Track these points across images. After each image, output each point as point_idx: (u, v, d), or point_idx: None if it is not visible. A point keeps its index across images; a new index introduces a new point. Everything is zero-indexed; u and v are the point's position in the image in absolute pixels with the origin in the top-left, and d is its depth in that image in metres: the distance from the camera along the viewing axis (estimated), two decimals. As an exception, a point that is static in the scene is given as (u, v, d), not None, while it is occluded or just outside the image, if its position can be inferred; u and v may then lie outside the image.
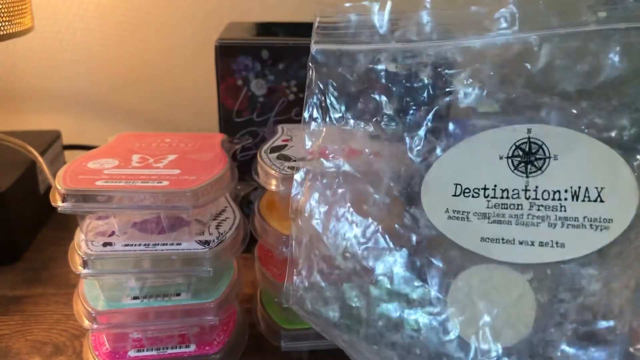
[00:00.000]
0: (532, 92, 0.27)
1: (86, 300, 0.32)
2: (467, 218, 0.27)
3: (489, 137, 0.28)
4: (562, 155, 0.26)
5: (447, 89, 0.29)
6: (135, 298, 0.32)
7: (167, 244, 0.32)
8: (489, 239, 0.26)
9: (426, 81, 0.29)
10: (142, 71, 0.66)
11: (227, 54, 0.41)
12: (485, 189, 0.27)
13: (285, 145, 0.37)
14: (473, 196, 0.27)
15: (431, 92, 0.29)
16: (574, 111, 0.26)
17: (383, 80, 0.30)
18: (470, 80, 0.28)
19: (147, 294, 0.32)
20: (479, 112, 0.28)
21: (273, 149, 0.36)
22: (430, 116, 0.29)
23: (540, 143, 0.26)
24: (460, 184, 0.28)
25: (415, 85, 0.29)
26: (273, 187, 0.33)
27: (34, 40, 0.64)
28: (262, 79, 0.42)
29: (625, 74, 0.25)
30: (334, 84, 0.30)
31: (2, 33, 0.44)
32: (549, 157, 0.26)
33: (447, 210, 0.27)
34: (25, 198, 0.50)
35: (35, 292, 0.43)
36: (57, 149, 0.59)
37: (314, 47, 0.31)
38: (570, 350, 0.24)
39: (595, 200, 0.25)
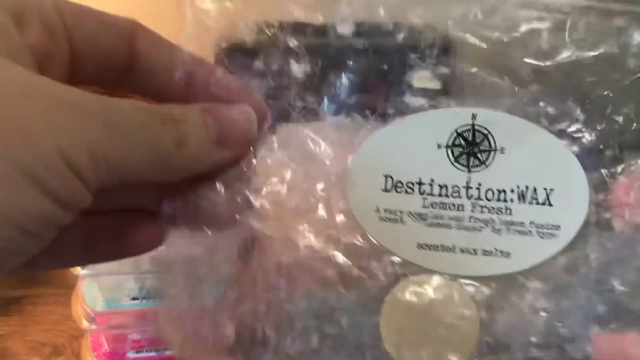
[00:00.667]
0: (481, 69, 0.22)
1: (85, 301, 0.33)
2: (401, 220, 0.22)
3: (426, 119, 0.23)
4: (510, 148, 0.22)
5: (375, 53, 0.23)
6: (134, 299, 0.33)
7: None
8: (426, 245, 0.22)
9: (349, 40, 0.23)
10: None
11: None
12: (420, 183, 0.22)
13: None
14: (407, 192, 0.22)
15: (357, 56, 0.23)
16: (525, 96, 0.22)
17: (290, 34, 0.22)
18: (405, 44, 0.22)
19: (146, 294, 0.33)
20: (415, 87, 0.23)
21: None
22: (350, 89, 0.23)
23: (485, 132, 0.22)
24: (391, 176, 0.22)
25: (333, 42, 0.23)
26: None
27: None
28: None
29: (584, 58, 0.22)
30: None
31: None
32: (495, 150, 0.22)
33: (377, 210, 0.22)
34: None
35: (34, 293, 0.42)
36: None
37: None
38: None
39: (544, 204, 0.22)
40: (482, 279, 0.22)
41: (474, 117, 0.22)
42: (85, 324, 0.33)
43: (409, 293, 0.22)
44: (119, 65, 0.20)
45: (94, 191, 0.16)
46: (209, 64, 0.21)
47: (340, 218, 0.22)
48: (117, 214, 0.21)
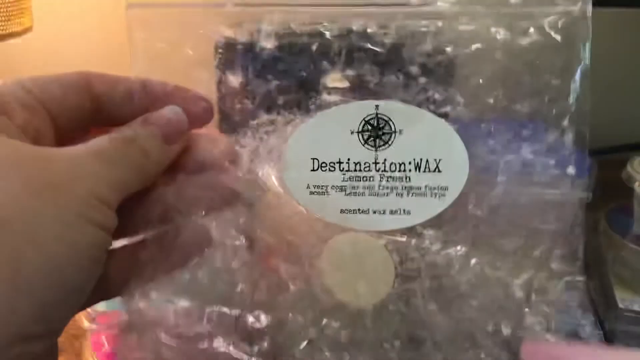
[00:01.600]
0: (380, 69, 0.28)
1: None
2: (327, 192, 0.29)
3: (340, 112, 0.29)
4: (406, 130, 0.28)
5: (295, 62, 0.28)
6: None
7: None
8: (347, 210, 0.29)
9: (271, 52, 0.28)
10: None
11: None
12: (339, 162, 0.29)
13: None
14: (330, 170, 0.29)
15: (278, 64, 0.28)
16: (416, 88, 0.28)
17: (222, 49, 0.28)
18: (319, 54, 0.28)
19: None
20: (329, 87, 0.28)
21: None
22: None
23: (387, 119, 0.28)
24: (317, 159, 0.29)
25: (259, 55, 0.28)
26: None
27: (34, 40, 0.62)
28: None
29: (462, 54, 0.28)
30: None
31: (1, 33, 0.45)
32: (395, 132, 0.28)
33: (308, 186, 0.29)
34: None
35: None
36: None
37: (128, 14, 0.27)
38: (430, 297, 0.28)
39: (434, 171, 0.28)
40: (391, 232, 0.29)
41: (377, 107, 0.28)
42: (86, 324, 0.33)
43: (340, 245, 0.29)
44: (88, 110, 0.25)
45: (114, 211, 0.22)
46: (154, 81, 0.26)
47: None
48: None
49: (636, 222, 0.36)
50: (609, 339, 0.40)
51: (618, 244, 0.37)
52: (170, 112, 0.25)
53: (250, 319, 0.29)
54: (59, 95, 0.24)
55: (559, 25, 0.27)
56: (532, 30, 0.27)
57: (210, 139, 0.27)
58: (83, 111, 0.25)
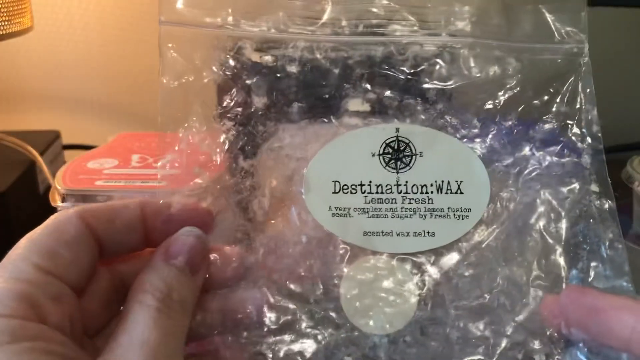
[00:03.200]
0: (399, 94, 0.29)
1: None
2: (349, 214, 0.28)
3: (361, 135, 0.29)
4: (427, 152, 0.29)
5: (318, 86, 0.29)
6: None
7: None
8: (370, 232, 0.28)
9: (295, 76, 0.29)
10: (142, 71, 0.65)
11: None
12: (361, 185, 0.28)
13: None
14: (351, 192, 0.28)
15: (302, 88, 0.29)
16: (434, 112, 0.29)
17: (248, 71, 0.28)
18: (341, 79, 0.29)
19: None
20: (350, 110, 0.29)
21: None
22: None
23: (407, 141, 0.29)
24: (338, 181, 0.28)
25: (283, 79, 0.29)
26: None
27: (34, 40, 0.62)
28: None
29: (475, 80, 0.29)
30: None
31: (1, 33, 0.44)
32: (416, 154, 0.29)
33: (330, 208, 0.28)
34: (25, 198, 0.50)
35: None
36: (56, 149, 0.59)
37: (161, 29, 0.27)
38: (455, 323, 0.27)
39: (456, 192, 0.28)
40: (415, 255, 0.28)
41: (397, 130, 0.29)
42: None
43: (361, 270, 0.28)
44: (94, 256, 0.24)
45: None
46: (153, 202, 0.26)
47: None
48: None
49: (636, 221, 0.36)
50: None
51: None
52: (189, 236, 0.25)
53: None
54: (68, 258, 0.23)
55: (561, 56, 0.29)
56: (538, 58, 0.29)
57: (223, 256, 0.27)
58: (92, 260, 0.24)
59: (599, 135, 0.29)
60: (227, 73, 0.28)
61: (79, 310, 0.23)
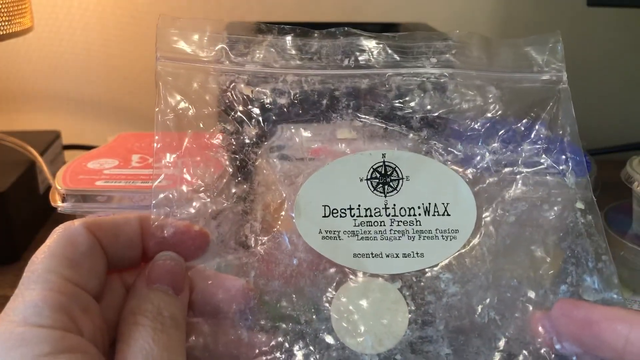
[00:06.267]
0: (385, 122, 0.30)
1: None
2: (339, 237, 0.29)
3: (349, 161, 0.30)
4: (413, 176, 0.30)
5: (307, 116, 0.30)
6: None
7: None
8: (360, 254, 0.28)
9: (285, 108, 0.30)
10: (142, 71, 0.65)
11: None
12: (350, 208, 0.29)
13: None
14: (341, 216, 0.29)
15: (291, 118, 0.30)
16: (419, 138, 0.30)
17: (241, 104, 0.30)
18: (329, 109, 0.30)
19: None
20: (337, 138, 0.30)
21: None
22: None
23: (394, 166, 0.30)
24: (328, 205, 0.29)
25: (273, 110, 0.30)
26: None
27: (34, 40, 0.63)
28: None
29: (458, 108, 0.30)
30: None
31: (1, 33, 0.44)
32: (402, 178, 0.30)
33: (320, 231, 0.29)
34: (25, 198, 0.50)
35: None
36: (56, 149, 0.59)
37: (158, 65, 0.29)
38: (445, 340, 0.27)
39: (443, 214, 0.29)
40: (405, 275, 0.28)
41: (383, 155, 0.30)
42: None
43: (351, 291, 0.28)
44: (105, 267, 0.25)
45: None
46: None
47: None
48: None
49: (635, 221, 0.35)
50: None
51: (617, 243, 0.36)
52: (166, 260, 0.26)
53: None
54: (87, 268, 0.24)
55: (540, 84, 0.31)
56: (517, 87, 0.31)
57: (223, 282, 0.27)
58: (105, 270, 0.25)
59: (582, 155, 0.29)
60: (221, 105, 0.30)
61: (104, 322, 0.24)
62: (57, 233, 0.24)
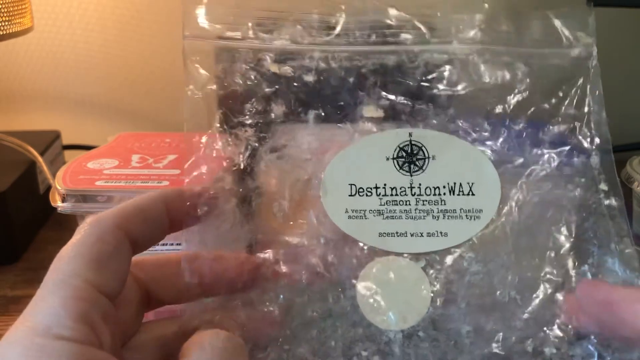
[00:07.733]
0: (411, 100, 0.30)
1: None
2: (365, 216, 0.29)
3: (376, 140, 0.30)
4: (439, 155, 0.30)
5: (334, 94, 0.30)
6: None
7: (166, 244, 0.31)
8: (385, 233, 0.29)
9: (311, 85, 0.30)
10: (142, 71, 0.66)
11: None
12: (376, 187, 0.30)
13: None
14: (367, 195, 0.30)
15: (318, 96, 0.30)
16: (445, 117, 0.30)
17: (266, 81, 0.30)
18: (356, 86, 0.30)
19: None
20: (364, 117, 0.30)
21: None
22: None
23: (420, 145, 0.30)
24: (354, 184, 0.30)
25: (300, 88, 0.30)
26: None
27: (34, 40, 0.63)
28: None
29: (486, 86, 0.30)
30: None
31: (1, 33, 0.44)
32: (428, 158, 0.30)
33: (346, 210, 0.29)
34: (25, 198, 0.50)
35: (33, 293, 0.40)
36: (56, 149, 0.59)
37: (185, 43, 0.29)
38: (466, 318, 0.28)
39: (468, 194, 0.30)
40: (429, 254, 0.29)
41: (410, 135, 0.30)
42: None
43: (376, 269, 0.29)
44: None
45: None
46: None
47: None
48: None
49: (635, 221, 0.36)
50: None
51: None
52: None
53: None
54: (111, 271, 0.23)
55: (569, 60, 0.30)
56: (546, 63, 0.30)
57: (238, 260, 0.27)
58: (128, 269, 0.24)
59: (608, 136, 0.29)
60: (248, 83, 0.30)
61: (119, 326, 0.23)
62: (85, 229, 0.23)
